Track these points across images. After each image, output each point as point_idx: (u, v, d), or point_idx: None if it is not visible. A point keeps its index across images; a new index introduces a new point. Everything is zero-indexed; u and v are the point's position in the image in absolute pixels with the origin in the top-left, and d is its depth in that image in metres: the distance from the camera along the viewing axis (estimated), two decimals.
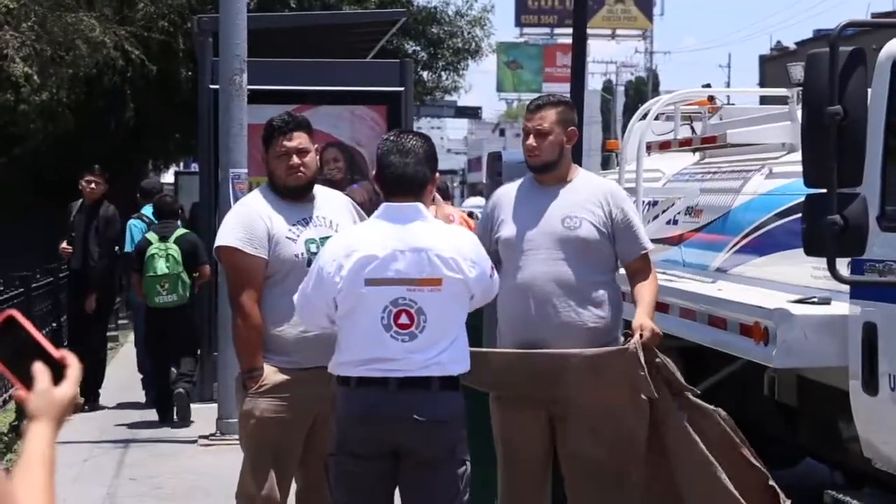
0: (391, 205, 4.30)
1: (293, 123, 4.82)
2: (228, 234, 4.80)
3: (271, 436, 4.76)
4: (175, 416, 9.73)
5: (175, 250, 9.62)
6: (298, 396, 4.74)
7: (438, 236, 4.23)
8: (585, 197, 4.88)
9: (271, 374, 4.76)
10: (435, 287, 4.15)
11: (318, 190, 4.94)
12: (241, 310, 4.74)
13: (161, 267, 9.56)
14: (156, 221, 10.37)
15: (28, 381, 1.99)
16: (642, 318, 4.70)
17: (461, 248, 4.24)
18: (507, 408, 4.93)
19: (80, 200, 10.73)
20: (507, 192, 5.03)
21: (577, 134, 4.97)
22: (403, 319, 4.15)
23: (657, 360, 4.66)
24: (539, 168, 4.92)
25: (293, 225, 4.78)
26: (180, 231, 9.86)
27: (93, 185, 10.57)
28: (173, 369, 9.80)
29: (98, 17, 14.22)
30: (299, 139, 4.80)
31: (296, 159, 4.76)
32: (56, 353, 2.03)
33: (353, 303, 4.20)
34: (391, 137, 4.36)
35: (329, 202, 4.92)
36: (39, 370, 1.99)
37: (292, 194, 4.83)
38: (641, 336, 4.61)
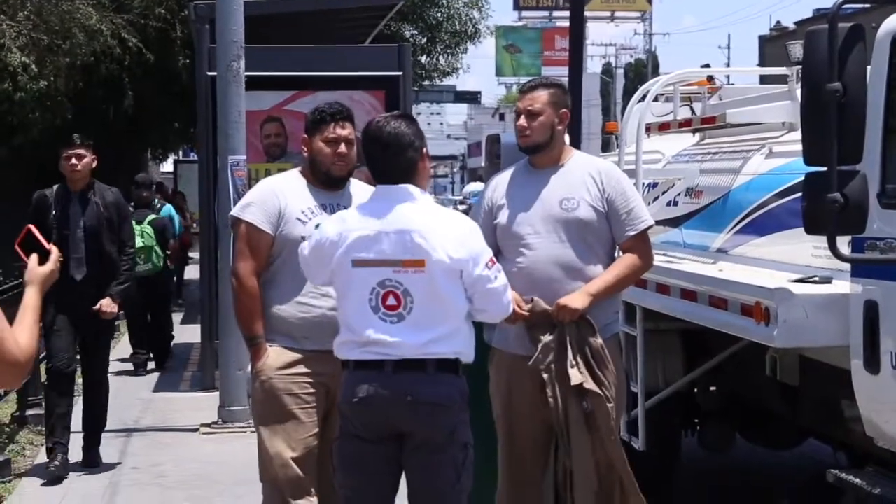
0: (382, 187, 4.35)
1: (345, 113, 4.92)
2: (241, 205, 4.96)
3: (284, 413, 4.78)
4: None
5: (149, 229, 12.23)
6: (307, 373, 4.80)
7: (425, 217, 4.23)
8: (580, 177, 4.87)
9: (276, 355, 4.82)
10: (418, 268, 4.16)
11: (354, 183, 4.99)
12: (237, 277, 4.88)
13: (138, 242, 11.26)
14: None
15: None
16: (571, 294, 4.72)
17: (447, 230, 4.22)
18: (508, 391, 4.92)
19: (57, 187, 7.94)
20: (503, 179, 5.02)
21: (569, 116, 4.96)
22: (391, 301, 4.18)
23: (548, 337, 4.70)
24: (530, 149, 4.91)
25: (309, 207, 4.85)
26: (152, 216, 12.44)
27: (73, 161, 7.79)
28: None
29: (95, 4, 14.16)
30: (349, 129, 4.89)
31: (343, 148, 4.85)
32: (47, 247, 3.57)
33: (344, 283, 4.27)
34: (371, 128, 4.36)
35: (361, 195, 4.92)
36: (32, 256, 3.48)
37: (328, 181, 4.90)
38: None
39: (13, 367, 3.10)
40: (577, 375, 4.69)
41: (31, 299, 3.33)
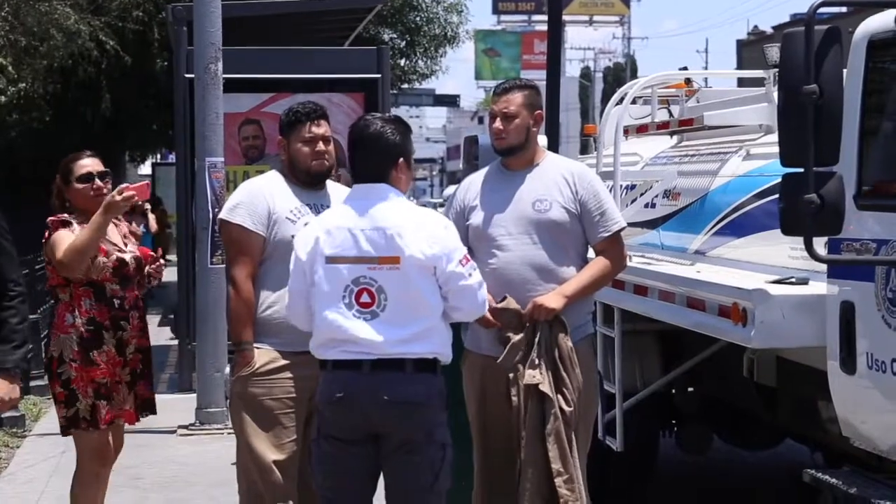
0: (359, 186, 4.37)
1: (320, 111, 4.91)
2: (230, 208, 4.90)
3: (266, 417, 4.76)
4: None
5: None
6: (291, 377, 4.77)
7: (399, 215, 4.24)
8: (553, 179, 4.88)
9: (261, 359, 4.79)
10: (393, 265, 4.17)
11: (331, 185, 5.00)
12: (233, 282, 4.83)
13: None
14: None
15: None
16: (546, 295, 4.72)
17: (421, 226, 4.24)
18: (481, 393, 4.92)
19: None
20: (475, 180, 5.02)
21: (542, 118, 4.97)
22: (365, 298, 4.19)
23: (517, 337, 4.70)
24: (506, 151, 4.91)
25: (297, 207, 4.84)
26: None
27: None
28: None
29: (72, 5, 14.11)
30: (325, 127, 4.90)
31: (321, 146, 4.85)
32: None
33: (318, 281, 4.26)
34: (357, 125, 4.38)
35: (339, 195, 4.92)
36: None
37: (310, 180, 4.89)
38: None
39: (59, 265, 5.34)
40: (534, 376, 4.68)
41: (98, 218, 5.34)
